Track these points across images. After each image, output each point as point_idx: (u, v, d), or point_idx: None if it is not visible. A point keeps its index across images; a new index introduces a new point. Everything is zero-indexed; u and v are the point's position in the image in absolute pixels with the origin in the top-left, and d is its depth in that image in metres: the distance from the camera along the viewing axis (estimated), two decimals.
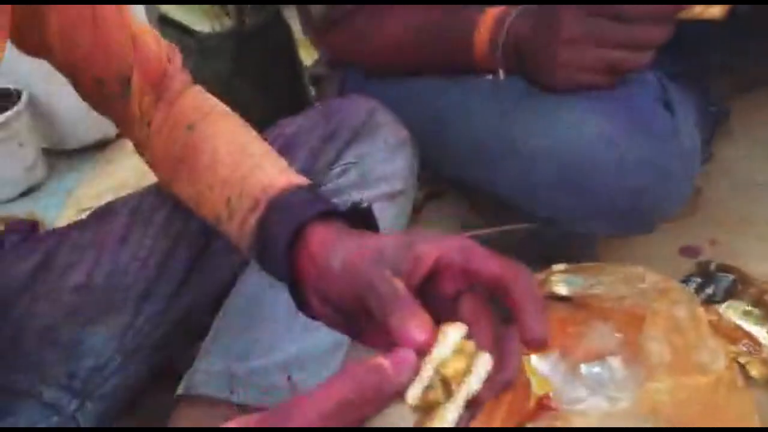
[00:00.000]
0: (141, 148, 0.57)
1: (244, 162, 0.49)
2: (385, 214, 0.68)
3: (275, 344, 0.60)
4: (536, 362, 0.59)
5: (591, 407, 0.50)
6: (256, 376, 0.59)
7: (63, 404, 0.55)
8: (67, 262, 0.58)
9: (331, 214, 0.41)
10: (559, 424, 0.50)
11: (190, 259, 0.63)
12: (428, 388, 0.29)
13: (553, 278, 0.63)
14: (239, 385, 0.58)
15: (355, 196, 0.64)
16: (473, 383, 0.30)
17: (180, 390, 0.59)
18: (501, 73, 0.65)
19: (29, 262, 0.59)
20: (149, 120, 0.54)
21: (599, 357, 0.59)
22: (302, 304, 0.42)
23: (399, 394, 0.28)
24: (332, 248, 0.38)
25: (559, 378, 0.57)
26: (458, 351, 0.30)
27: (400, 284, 0.33)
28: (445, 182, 0.87)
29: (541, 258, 0.65)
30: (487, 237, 0.70)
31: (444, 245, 0.34)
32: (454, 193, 0.89)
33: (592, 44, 0.57)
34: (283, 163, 0.49)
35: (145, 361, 0.61)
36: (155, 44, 0.53)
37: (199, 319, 0.63)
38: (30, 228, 0.64)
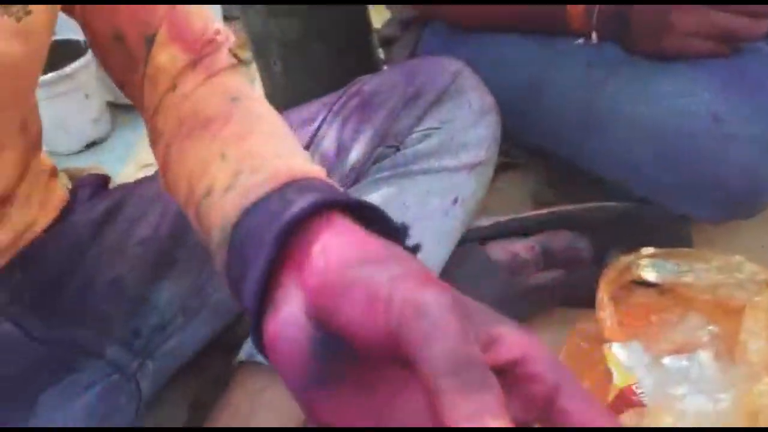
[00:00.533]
0: (149, 113, 0.45)
1: (278, 146, 0.37)
2: (466, 187, 0.65)
3: None
4: (618, 351, 0.55)
5: (688, 405, 0.46)
6: None
7: (125, 363, 0.54)
8: (133, 215, 0.57)
9: (360, 213, 0.28)
10: (647, 422, 0.47)
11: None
12: None
13: (641, 262, 0.58)
14: None
15: (434, 163, 0.60)
16: None
17: (242, 356, 0.58)
18: (594, 36, 0.60)
19: (97, 215, 0.57)
20: (176, 83, 0.43)
21: (687, 350, 0.55)
22: (258, 329, 0.27)
23: None
24: (360, 255, 0.25)
25: (642, 370, 0.53)
26: None
27: (476, 349, 0.21)
28: (522, 154, 0.82)
29: (628, 241, 0.61)
30: (569, 214, 0.66)
31: (532, 340, 0.23)
32: (530, 167, 0.85)
33: (707, 8, 0.52)
34: (320, 168, 0.36)
35: (206, 322, 0.60)
36: (198, 13, 0.44)
37: None
38: (102, 182, 0.63)
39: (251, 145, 0.36)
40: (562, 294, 0.66)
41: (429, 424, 0.24)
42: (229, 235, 0.31)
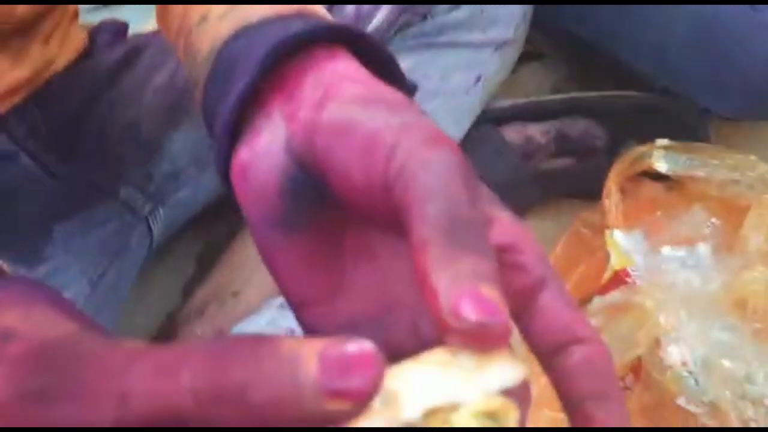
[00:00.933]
0: None
1: None
2: (490, 66, 0.63)
3: None
4: (618, 236, 0.56)
5: (675, 283, 0.48)
6: None
7: (138, 206, 0.55)
8: (151, 62, 0.57)
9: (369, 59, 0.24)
10: (638, 299, 0.48)
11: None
12: None
13: (655, 153, 0.58)
14: None
15: (462, 37, 0.59)
16: None
17: None
18: None
19: (115, 60, 0.57)
20: None
21: (688, 242, 0.56)
22: (226, 159, 0.24)
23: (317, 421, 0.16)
24: (364, 94, 0.22)
25: (640, 257, 0.54)
26: (485, 407, 0.17)
27: (478, 214, 0.19)
28: (548, 44, 0.80)
29: (645, 133, 0.60)
30: (588, 101, 0.65)
31: (525, 230, 0.21)
32: (554, 58, 0.83)
33: None
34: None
35: (214, 180, 0.61)
36: None
37: None
38: (120, 29, 0.63)
39: None
40: (572, 182, 0.67)
41: (382, 305, 0.22)
42: (214, 56, 0.26)
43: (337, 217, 0.22)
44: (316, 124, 0.21)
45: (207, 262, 0.65)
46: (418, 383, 0.16)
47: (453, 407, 0.16)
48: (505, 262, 0.20)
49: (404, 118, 0.21)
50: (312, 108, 0.22)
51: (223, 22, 0.27)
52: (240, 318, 0.53)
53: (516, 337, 0.18)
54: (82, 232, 0.51)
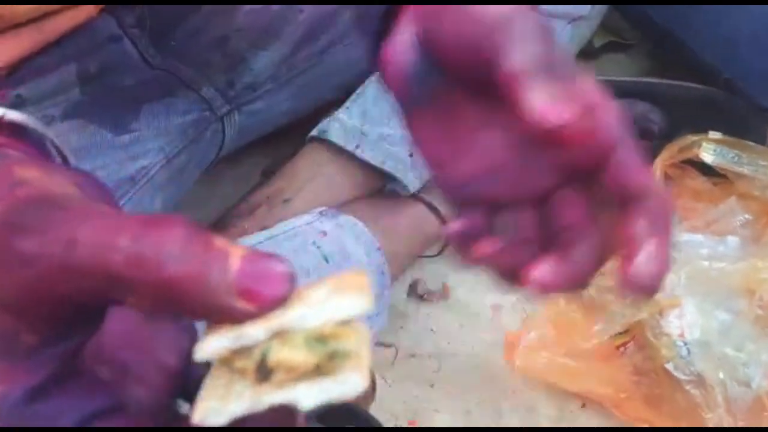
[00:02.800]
0: None
1: None
2: (561, 37, 0.66)
3: None
4: None
5: (690, 262, 0.50)
6: (383, 142, 0.62)
7: (216, 105, 0.62)
8: None
9: None
10: None
11: (353, 20, 0.65)
12: (242, 352, 0.18)
13: (705, 144, 0.59)
14: (366, 144, 0.62)
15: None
16: (303, 396, 0.18)
17: (314, 132, 0.64)
18: None
19: None
20: None
21: (719, 233, 0.57)
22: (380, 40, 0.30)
23: (213, 319, 0.18)
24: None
25: None
26: (339, 325, 0.18)
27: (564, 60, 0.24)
28: (635, 37, 0.81)
29: (702, 125, 0.62)
30: (651, 86, 0.66)
31: (606, 96, 0.24)
32: (639, 51, 0.84)
33: None
34: None
35: (290, 98, 0.66)
36: None
37: (345, 85, 0.66)
38: None
39: None
40: None
41: (495, 164, 0.28)
42: None
43: (454, 95, 0.28)
44: (433, 11, 0.27)
45: (270, 176, 0.71)
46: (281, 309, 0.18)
47: (295, 331, 0.18)
48: (586, 120, 0.23)
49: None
50: (432, 11, 0.28)
51: None
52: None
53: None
54: (165, 115, 0.58)
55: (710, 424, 0.47)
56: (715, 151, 0.59)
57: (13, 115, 0.25)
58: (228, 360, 0.19)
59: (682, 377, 0.48)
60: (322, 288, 0.19)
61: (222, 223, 0.64)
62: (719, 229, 0.57)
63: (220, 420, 0.18)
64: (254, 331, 0.18)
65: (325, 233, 0.56)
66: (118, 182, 0.53)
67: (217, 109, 0.62)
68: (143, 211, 0.54)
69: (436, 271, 0.66)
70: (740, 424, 0.46)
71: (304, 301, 0.18)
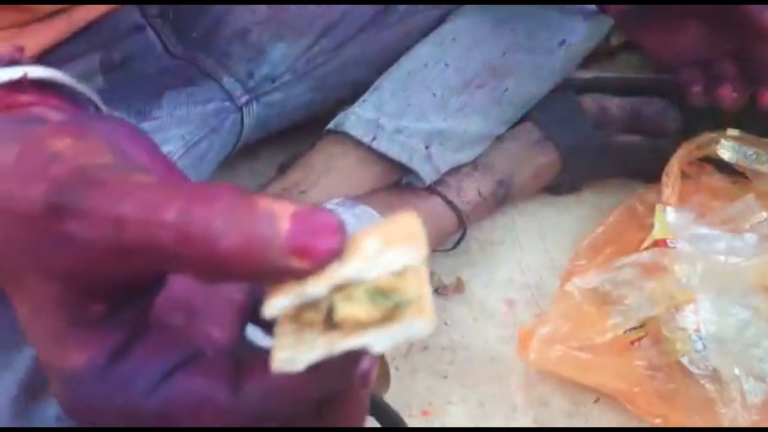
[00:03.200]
0: None
1: None
2: (576, 33, 0.66)
3: (427, 114, 0.63)
4: (668, 211, 0.58)
5: (706, 257, 0.50)
6: (400, 134, 0.63)
7: (236, 95, 0.62)
8: None
9: None
10: (666, 262, 0.50)
11: (372, 15, 0.66)
12: (309, 306, 0.19)
13: (723, 141, 0.59)
14: (383, 136, 0.63)
15: None
16: (374, 341, 0.18)
17: (330, 125, 0.65)
18: None
19: None
20: None
21: (736, 230, 0.57)
22: None
23: (276, 281, 0.18)
24: None
25: (685, 233, 0.56)
26: (397, 276, 0.19)
27: None
28: None
29: (721, 123, 0.61)
30: (671, 85, 0.66)
31: None
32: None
33: None
34: None
35: (308, 91, 0.67)
36: None
37: (362, 79, 0.67)
38: None
39: None
40: (638, 160, 0.68)
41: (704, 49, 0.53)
42: None
43: (667, 8, 0.51)
44: None
45: (287, 170, 0.71)
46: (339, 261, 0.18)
47: (355, 284, 0.18)
48: None
49: None
50: None
51: None
52: None
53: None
54: (186, 103, 0.58)
55: (725, 420, 0.47)
56: (733, 148, 0.59)
57: (38, 72, 0.25)
58: (294, 313, 0.19)
59: (697, 372, 0.48)
60: (374, 236, 0.19)
61: None
62: (736, 226, 0.57)
63: (297, 367, 0.18)
64: (315, 288, 0.18)
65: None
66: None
67: (237, 99, 0.62)
68: None
69: (451, 266, 0.66)
70: (756, 420, 0.46)
71: (359, 253, 0.18)
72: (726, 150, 0.59)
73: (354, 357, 0.19)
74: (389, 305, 0.18)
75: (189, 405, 0.19)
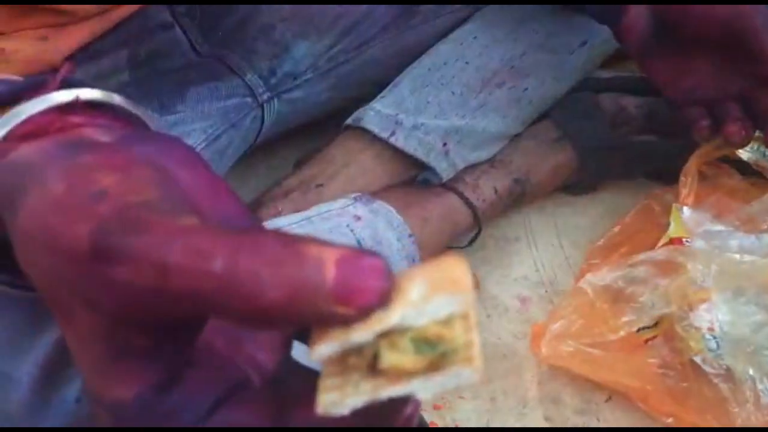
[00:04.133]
0: None
1: None
2: (598, 34, 0.66)
3: (446, 111, 0.64)
4: (684, 211, 0.58)
5: (721, 255, 0.49)
6: (418, 131, 0.64)
7: (259, 92, 0.64)
8: None
9: None
10: (680, 259, 0.50)
11: (393, 16, 0.67)
12: (354, 351, 0.19)
13: None
14: (401, 132, 0.63)
15: None
16: (419, 389, 0.19)
17: (349, 120, 0.66)
18: None
19: None
20: None
21: (754, 231, 0.56)
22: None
23: (319, 327, 0.19)
24: None
25: (701, 233, 0.56)
26: (443, 324, 0.19)
27: None
28: None
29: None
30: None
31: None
32: None
33: None
34: None
35: (328, 89, 0.68)
36: None
37: (382, 78, 0.67)
38: None
39: None
40: (655, 160, 0.68)
41: (714, 88, 0.55)
42: None
43: (678, 44, 0.53)
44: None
45: (302, 162, 0.72)
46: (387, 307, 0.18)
47: (400, 331, 0.18)
48: None
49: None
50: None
51: None
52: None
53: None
54: (209, 98, 0.60)
55: (738, 420, 0.47)
56: (752, 148, 0.59)
57: (88, 94, 0.26)
58: (340, 356, 0.19)
59: (711, 371, 0.48)
60: (419, 281, 0.18)
61: (256, 204, 0.65)
62: (754, 227, 0.56)
63: (343, 411, 0.18)
64: (361, 335, 0.18)
65: (359, 218, 0.57)
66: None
67: (259, 96, 0.64)
68: None
69: (467, 263, 0.66)
70: None
71: (404, 299, 0.18)
72: (744, 150, 0.59)
73: (399, 403, 0.19)
74: (435, 354, 0.18)
75: None
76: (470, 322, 0.19)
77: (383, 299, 0.18)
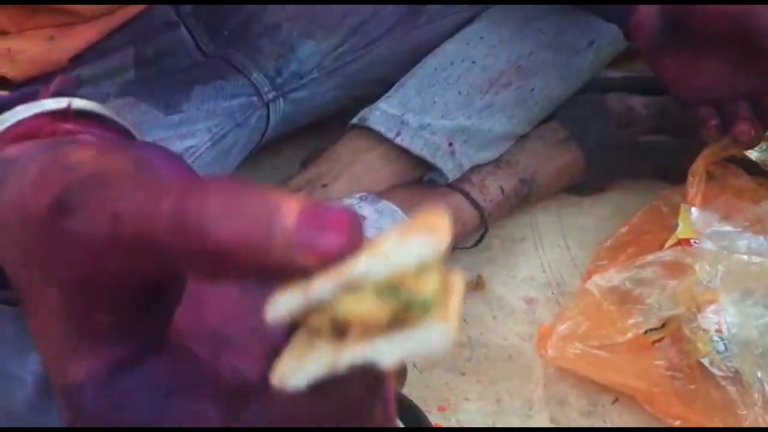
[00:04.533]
0: None
1: None
2: (605, 35, 0.66)
3: (451, 112, 0.64)
4: (692, 211, 0.57)
5: (729, 257, 0.49)
6: (424, 131, 0.63)
7: (264, 91, 0.64)
8: None
9: None
10: (688, 261, 0.50)
11: (400, 16, 0.67)
12: (316, 310, 0.17)
13: None
14: (406, 132, 0.63)
15: None
16: (383, 350, 0.16)
17: (354, 120, 0.66)
18: None
19: None
20: None
21: (762, 232, 0.56)
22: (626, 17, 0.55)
23: (281, 280, 0.17)
24: None
25: (709, 233, 0.56)
26: (420, 270, 0.16)
27: None
28: None
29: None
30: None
31: None
32: None
33: None
34: None
35: (334, 88, 0.68)
36: None
37: (388, 78, 0.67)
38: None
39: None
40: (664, 159, 0.68)
41: (722, 84, 0.55)
42: None
43: (687, 42, 0.53)
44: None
45: (309, 162, 0.72)
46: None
47: (365, 283, 0.16)
48: None
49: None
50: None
51: None
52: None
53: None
54: (214, 98, 0.60)
55: (745, 422, 0.46)
56: (761, 148, 0.58)
57: (80, 104, 0.26)
58: (305, 320, 0.17)
59: (718, 373, 0.47)
60: (393, 233, 0.17)
61: None
62: (763, 228, 0.56)
63: (300, 381, 0.17)
64: (321, 286, 0.16)
65: (364, 218, 0.57)
66: None
67: (264, 95, 0.64)
68: None
69: (472, 263, 0.66)
70: None
71: (372, 249, 0.16)
72: (753, 150, 0.58)
73: (366, 373, 0.17)
74: (399, 302, 0.16)
75: (179, 423, 0.19)
76: (453, 280, 0.17)
77: (346, 248, 0.16)
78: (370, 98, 0.66)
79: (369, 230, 0.57)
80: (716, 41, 0.52)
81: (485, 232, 0.65)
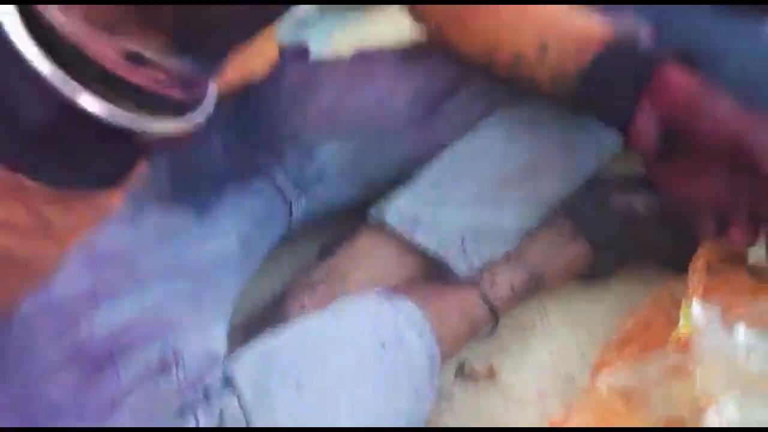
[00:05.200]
0: None
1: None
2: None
3: (465, 206, 0.67)
4: (695, 306, 0.60)
5: (730, 358, 0.51)
6: (438, 227, 0.67)
7: (287, 191, 0.67)
8: (321, 82, 0.69)
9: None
10: (690, 366, 0.52)
11: (417, 115, 0.70)
12: None
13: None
14: (421, 229, 0.67)
15: None
16: None
17: (371, 214, 0.69)
18: None
19: (295, 78, 0.69)
20: None
21: (761, 325, 0.58)
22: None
23: None
24: (702, 92, 0.53)
25: (709, 328, 0.58)
26: None
27: None
28: None
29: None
30: None
31: None
32: None
33: None
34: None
35: (352, 186, 0.71)
36: None
37: (404, 175, 0.70)
38: (303, 52, 0.75)
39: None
40: (668, 254, 0.71)
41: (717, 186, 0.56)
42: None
43: (688, 151, 0.56)
44: (682, 105, 0.55)
45: (326, 253, 0.75)
46: None
47: None
48: None
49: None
50: (675, 98, 0.54)
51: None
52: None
53: None
54: (241, 198, 0.64)
55: None
56: (764, 247, 0.60)
57: None
58: None
59: None
60: None
61: (283, 296, 0.68)
62: (764, 326, 0.58)
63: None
64: None
65: (380, 315, 0.60)
66: (199, 262, 0.58)
67: (288, 195, 0.67)
68: (222, 293, 0.60)
69: (482, 351, 0.69)
70: None
71: None
72: (755, 249, 0.61)
73: None
74: None
75: None
76: None
77: None
78: (387, 192, 0.70)
79: (386, 329, 0.60)
80: (715, 154, 0.53)
81: (496, 324, 0.68)
